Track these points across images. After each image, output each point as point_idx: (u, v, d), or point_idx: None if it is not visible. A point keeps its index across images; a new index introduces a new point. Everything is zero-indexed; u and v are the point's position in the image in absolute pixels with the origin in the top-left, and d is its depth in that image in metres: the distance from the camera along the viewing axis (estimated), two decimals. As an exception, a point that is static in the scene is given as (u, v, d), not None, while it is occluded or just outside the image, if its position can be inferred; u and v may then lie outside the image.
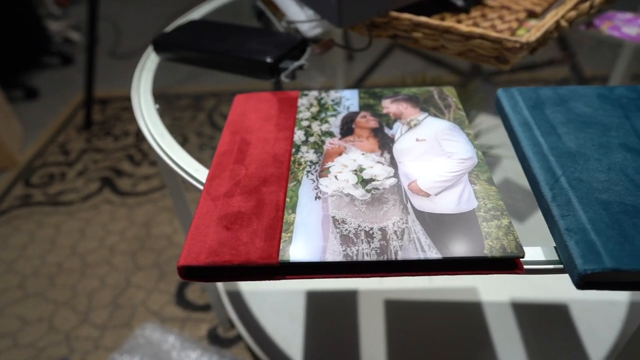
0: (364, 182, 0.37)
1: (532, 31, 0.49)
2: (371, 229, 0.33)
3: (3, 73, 1.73)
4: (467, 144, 0.40)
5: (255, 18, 0.71)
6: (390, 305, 0.77)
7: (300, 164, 0.39)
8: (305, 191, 0.36)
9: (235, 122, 0.45)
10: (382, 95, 0.47)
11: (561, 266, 0.32)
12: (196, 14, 0.74)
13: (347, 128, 0.43)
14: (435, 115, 0.44)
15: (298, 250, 0.31)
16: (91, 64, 1.41)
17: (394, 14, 0.55)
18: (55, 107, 1.62)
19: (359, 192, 0.36)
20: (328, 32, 0.62)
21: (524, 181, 0.66)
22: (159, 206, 1.17)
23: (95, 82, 1.67)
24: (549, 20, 0.51)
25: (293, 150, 0.41)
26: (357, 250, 0.31)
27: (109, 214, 1.16)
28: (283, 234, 0.33)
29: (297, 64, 0.54)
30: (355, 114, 0.45)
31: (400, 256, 0.30)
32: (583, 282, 0.29)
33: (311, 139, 0.42)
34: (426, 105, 0.45)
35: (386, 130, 0.42)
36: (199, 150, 1.33)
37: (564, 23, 0.52)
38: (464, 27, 0.50)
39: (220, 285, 0.83)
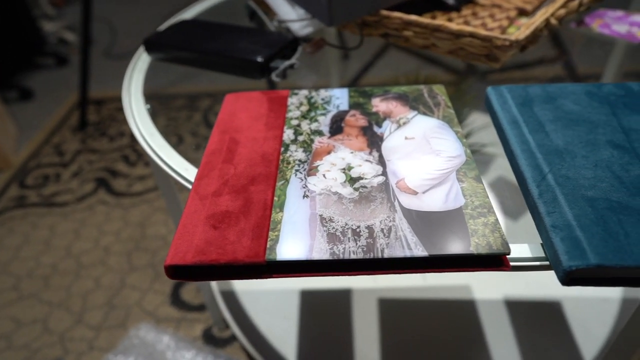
0: (352, 181, 0.37)
1: (521, 29, 0.49)
2: (358, 227, 0.33)
3: (-3, 74, 1.73)
4: (456, 142, 0.40)
5: (248, 18, 0.71)
6: (383, 303, 0.77)
7: (289, 163, 0.39)
8: (294, 190, 0.36)
9: (225, 121, 0.45)
10: (372, 94, 0.47)
11: (547, 263, 0.32)
12: (189, 13, 0.74)
13: (337, 127, 0.43)
14: (424, 114, 0.44)
15: (285, 248, 0.31)
16: (85, 65, 1.41)
17: (385, 12, 0.55)
18: (50, 108, 1.61)
19: (346, 191, 0.36)
20: (320, 31, 0.62)
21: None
22: (154, 207, 1.17)
23: (90, 83, 1.67)
24: (538, 18, 0.52)
25: (282, 149, 0.41)
26: (344, 249, 0.31)
27: (104, 215, 1.16)
28: (270, 233, 0.33)
29: (287, 63, 0.54)
30: (345, 112, 0.45)
31: (387, 254, 0.31)
32: (568, 278, 0.29)
33: (300, 138, 0.42)
34: (416, 103, 0.46)
35: (375, 128, 0.42)
36: (194, 150, 1.33)
37: (553, 21, 0.53)
38: (454, 26, 0.51)
39: (214, 285, 0.83)
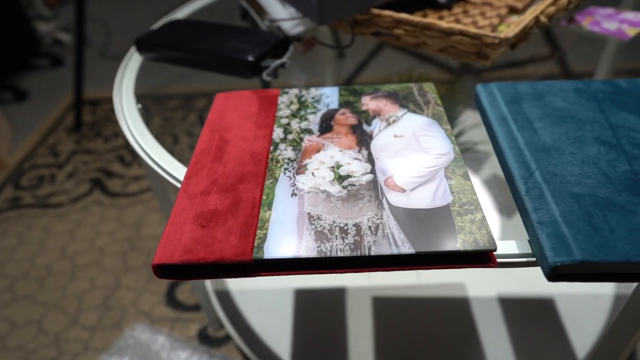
0: (340, 179, 0.37)
1: (511, 27, 0.50)
2: (346, 225, 0.33)
3: (-8, 75, 1.72)
4: (445, 139, 0.40)
5: (240, 17, 0.71)
6: (378, 302, 0.77)
7: (278, 162, 0.39)
8: (282, 188, 0.36)
9: (215, 120, 0.45)
10: (362, 92, 0.47)
11: (534, 259, 0.32)
12: (182, 13, 0.74)
13: (326, 125, 0.43)
14: (414, 112, 0.44)
15: (272, 247, 0.31)
16: (80, 65, 1.41)
17: (376, 11, 0.55)
18: (44, 109, 1.61)
19: (335, 189, 0.36)
20: (312, 30, 0.62)
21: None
22: (150, 207, 1.17)
23: (85, 83, 1.67)
24: (528, 16, 0.52)
25: (271, 148, 0.41)
26: (331, 246, 0.31)
27: (99, 216, 1.15)
28: (258, 231, 0.33)
29: (278, 62, 0.54)
30: (335, 111, 0.45)
31: (374, 251, 0.31)
32: (554, 274, 0.29)
33: (290, 137, 0.42)
34: (406, 101, 0.46)
35: (365, 127, 0.43)
36: (189, 150, 1.33)
37: (543, 18, 0.53)
38: (443, 24, 0.51)
39: (209, 284, 0.83)
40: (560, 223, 0.30)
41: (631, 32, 0.58)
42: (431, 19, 0.56)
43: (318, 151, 0.40)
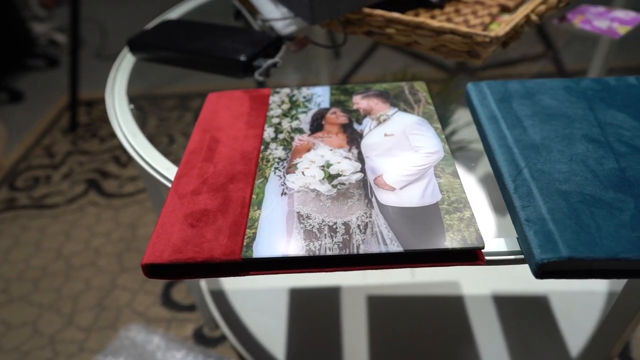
0: (330, 178, 0.37)
1: (502, 25, 0.50)
2: (335, 223, 0.33)
3: (-13, 76, 1.72)
4: (434, 137, 0.40)
5: (233, 17, 0.71)
6: (372, 300, 0.77)
7: (268, 161, 0.39)
8: (272, 187, 0.36)
9: (207, 120, 0.45)
10: (353, 92, 0.48)
11: (522, 256, 0.32)
12: (175, 13, 0.74)
13: (317, 124, 0.43)
14: (405, 110, 0.44)
15: (261, 246, 0.32)
16: (75, 66, 1.40)
17: (367, 10, 0.55)
18: (40, 110, 1.60)
19: (324, 188, 0.36)
20: (304, 29, 0.62)
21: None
22: (145, 207, 1.17)
23: (81, 84, 1.66)
24: (519, 14, 0.52)
25: (262, 147, 0.41)
26: (320, 245, 0.31)
27: (94, 216, 1.15)
28: (247, 230, 0.33)
29: (270, 61, 0.54)
30: (326, 110, 0.45)
31: (362, 250, 0.31)
32: (541, 271, 0.29)
33: (280, 136, 0.42)
34: (396, 100, 0.46)
35: (355, 126, 0.43)
36: (184, 150, 1.33)
37: (534, 17, 0.53)
38: (435, 23, 0.51)
39: (204, 284, 0.83)
40: (548, 220, 0.31)
41: (622, 30, 0.58)
42: (423, 18, 0.56)
43: (308, 150, 0.40)
